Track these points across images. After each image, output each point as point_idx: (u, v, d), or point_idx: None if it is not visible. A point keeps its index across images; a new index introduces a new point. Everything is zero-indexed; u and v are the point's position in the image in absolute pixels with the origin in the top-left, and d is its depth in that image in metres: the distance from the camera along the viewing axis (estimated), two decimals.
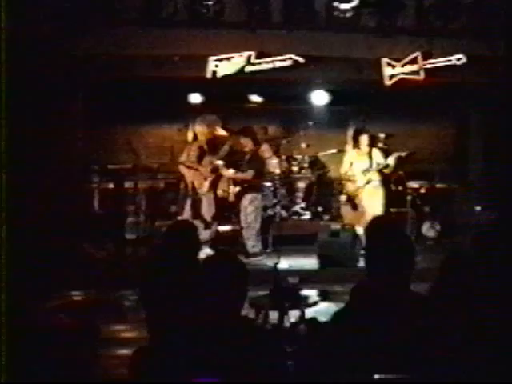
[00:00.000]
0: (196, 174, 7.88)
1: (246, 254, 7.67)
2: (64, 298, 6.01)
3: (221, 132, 8.30)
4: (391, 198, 8.41)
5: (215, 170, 8.00)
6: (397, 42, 7.73)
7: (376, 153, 8.04)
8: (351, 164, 8.05)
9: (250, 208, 7.89)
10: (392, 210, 9.28)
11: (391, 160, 7.95)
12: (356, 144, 8.03)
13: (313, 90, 9.07)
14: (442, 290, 2.62)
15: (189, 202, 7.88)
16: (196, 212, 7.86)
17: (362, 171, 7.91)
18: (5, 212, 3.19)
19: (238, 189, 8.14)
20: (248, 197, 7.92)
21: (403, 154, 8.21)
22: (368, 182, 7.95)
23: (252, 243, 7.85)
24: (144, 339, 3.55)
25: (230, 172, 8.11)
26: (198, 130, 7.95)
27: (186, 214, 7.84)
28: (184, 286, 3.27)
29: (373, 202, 7.88)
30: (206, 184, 7.91)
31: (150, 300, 3.62)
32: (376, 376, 2.30)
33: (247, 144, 8.03)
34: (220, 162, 8.06)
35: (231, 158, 8.36)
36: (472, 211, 8.27)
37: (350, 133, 10.43)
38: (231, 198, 8.38)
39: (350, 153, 8.18)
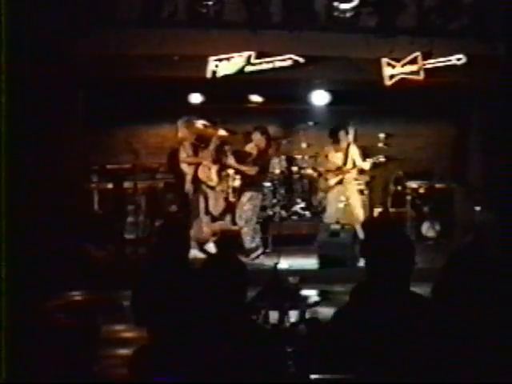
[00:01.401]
0: (199, 167, 7.92)
1: (245, 253, 7.69)
2: (64, 297, 6.00)
3: (221, 132, 8.32)
4: (363, 200, 8.57)
5: (216, 161, 8.05)
6: (397, 42, 7.73)
7: (354, 151, 8.11)
8: (326, 157, 8.17)
9: (247, 205, 7.89)
10: (391, 209, 9.31)
11: (367, 165, 8.04)
12: (334, 139, 8.11)
13: (313, 90, 9.07)
14: (444, 291, 2.62)
15: (202, 199, 7.92)
16: (207, 207, 7.94)
17: (334, 169, 8.01)
18: (5, 212, 3.19)
19: (237, 184, 8.14)
20: (247, 194, 7.92)
21: (382, 159, 8.24)
22: (339, 182, 8.02)
23: (249, 238, 7.86)
24: (144, 339, 3.55)
25: (233, 162, 8.09)
26: (183, 132, 8.00)
27: (202, 211, 7.88)
28: (183, 285, 3.27)
29: (337, 203, 7.99)
30: (214, 176, 7.97)
31: (147, 300, 3.62)
32: (375, 376, 2.30)
33: (260, 143, 8.02)
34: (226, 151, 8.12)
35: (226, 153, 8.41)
36: (472, 211, 8.27)
37: (351, 131, 10.50)
38: (230, 196, 8.41)
39: (329, 146, 8.28)
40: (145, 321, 3.57)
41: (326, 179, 8.24)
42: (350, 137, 10.44)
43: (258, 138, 8.00)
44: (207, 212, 7.98)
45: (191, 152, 7.96)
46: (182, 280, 3.38)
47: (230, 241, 7.93)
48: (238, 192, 8.12)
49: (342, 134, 8.10)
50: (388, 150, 8.74)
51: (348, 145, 8.15)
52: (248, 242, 7.85)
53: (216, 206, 8.02)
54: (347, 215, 8.04)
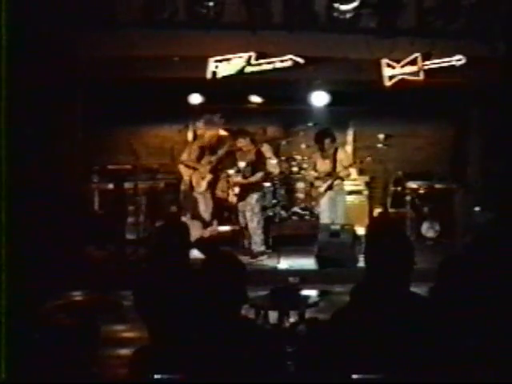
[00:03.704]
0: (194, 173, 7.93)
1: (251, 254, 7.70)
2: (64, 297, 6.01)
3: (222, 132, 8.32)
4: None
5: (213, 170, 8.03)
6: (396, 43, 7.73)
7: (341, 155, 8.08)
8: (315, 165, 8.15)
9: (257, 207, 7.93)
10: (391, 210, 9.31)
11: (353, 171, 8.10)
12: (320, 146, 8.08)
13: (313, 91, 9.06)
14: (441, 292, 2.62)
15: (189, 201, 7.93)
16: (195, 211, 7.91)
17: (323, 176, 7.98)
18: (5, 212, 3.20)
19: (237, 190, 8.13)
20: (255, 196, 7.95)
21: (368, 158, 8.25)
22: (328, 189, 7.99)
23: (260, 242, 7.88)
24: (144, 339, 3.55)
25: (240, 179, 8.09)
26: (202, 130, 7.98)
27: (187, 213, 7.88)
28: (183, 285, 3.27)
29: (331, 208, 7.98)
30: (204, 183, 7.94)
31: (147, 300, 3.62)
32: (376, 376, 2.30)
33: (247, 145, 8.04)
34: (232, 172, 8.12)
35: (228, 159, 8.40)
36: (471, 212, 8.28)
37: (351, 132, 10.50)
38: (232, 198, 8.38)
39: (315, 154, 8.25)
40: (147, 320, 3.58)
41: (316, 186, 8.21)
42: (350, 137, 10.49)
43: (242, 141, 8.02)
44: (195, 217, 7.96)
45: (196, 155, 7.94)
46: (181, 280, 3.39)
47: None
48: (242, 195, 8.08)
49: (327, 142, 8.01)
50: (387, 150, 8.74)
51: (335, 150, 8.10)
52: (258, 246, 7.87)
53: (206, 210, 8.01)
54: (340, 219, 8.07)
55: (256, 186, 8.01)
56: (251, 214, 7.90)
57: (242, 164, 8.05)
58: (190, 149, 8.02)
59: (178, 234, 3.80)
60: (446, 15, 7.59)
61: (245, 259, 7.50)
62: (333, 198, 8.03)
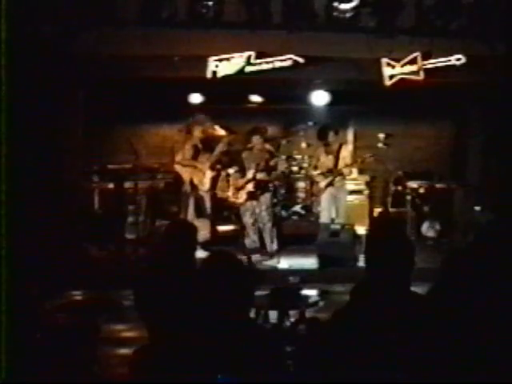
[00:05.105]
0: (194, 171, 7.93)
1: (266, 253, 7.76)
2: (64, 297, 6.02)
3: (220, 132, 8.32)
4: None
5: (213, 168, 8.05)
6: (396, 42, 7.73)
7: (345, 153, 8.11)
8: (318, 160, 8.18)
9: (270, 206, 8.00)
10: (392, 209, 9.32)
11: (354, 169, 8.13)
12: (323, 141, 8.12)
13: (313, 90, 9.06)
14: (442, 291, 2.62)
15: (192, 201, 7.92)
16: (200, 211, 7.93)
17: (325, 171, 8.00)
18: (5, 212, 3.20)
19: (252, 188, 8.14)
20: (267, 195, 8.02)
21: (369, 158, 8.27)
22: (329, 185, 8.00)
23: (276, 241, 7.93)
24: (144, 339, 3.55)
25: (264, 176, 8.11)
26: (192, 131, 8.03)
27: (190, 214, 7.88)
28: (184, 285, 3.27)
29: (331, 205, 8.00)
30: (207, 181, 7.96)
31: (149, 300, 3.61)
32: (375, 376, 2.30)
33: (260, 144, 8.08)
34: (231, 171, 8.13)
35: (230, 156, 8.41)
36: (471, 211, 8.28)
37: (351, 132, 10.52)
38: (240, 198, 8.37)
39: (320, 148, 8.28)
40: (148, 320, 3.57)
41: (317, 182, 8.26)
42: (350, 136, 10.50)
43: (256, 139, 8.03)
44: (200, 215, 7.97)
45: (190, 154, 7.96)
46: (183, 280, 3.39)
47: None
48: (253, 194, 8.09)
49: (331, 135, 8.08)
50: (387, 150, 8.74)
51: (340, 146, 8.14)
52: (275, 244, 7.92)
53: (210, 208, 8.03)
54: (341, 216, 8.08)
55: (266, 186, 8.07)
56: (266, 213, 7.93)
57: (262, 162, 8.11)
58: (184, 149, 8.03)
59: (186, 234, 3.80)
60: (445, 14, 7.59)
61: (263, 259, 7.57)
62: (334, 195, 8.06)
